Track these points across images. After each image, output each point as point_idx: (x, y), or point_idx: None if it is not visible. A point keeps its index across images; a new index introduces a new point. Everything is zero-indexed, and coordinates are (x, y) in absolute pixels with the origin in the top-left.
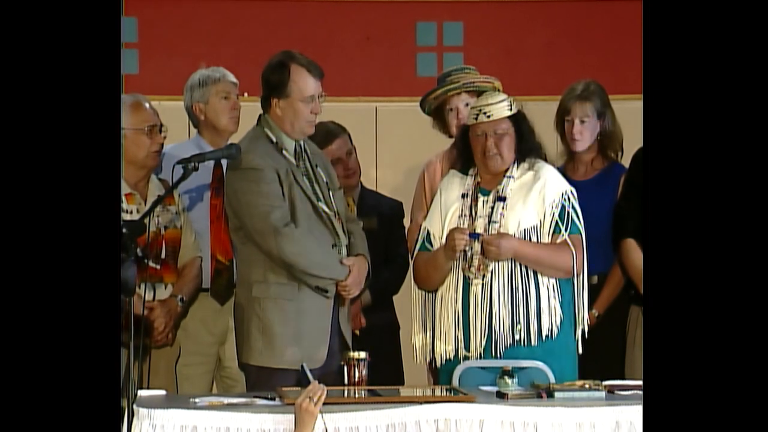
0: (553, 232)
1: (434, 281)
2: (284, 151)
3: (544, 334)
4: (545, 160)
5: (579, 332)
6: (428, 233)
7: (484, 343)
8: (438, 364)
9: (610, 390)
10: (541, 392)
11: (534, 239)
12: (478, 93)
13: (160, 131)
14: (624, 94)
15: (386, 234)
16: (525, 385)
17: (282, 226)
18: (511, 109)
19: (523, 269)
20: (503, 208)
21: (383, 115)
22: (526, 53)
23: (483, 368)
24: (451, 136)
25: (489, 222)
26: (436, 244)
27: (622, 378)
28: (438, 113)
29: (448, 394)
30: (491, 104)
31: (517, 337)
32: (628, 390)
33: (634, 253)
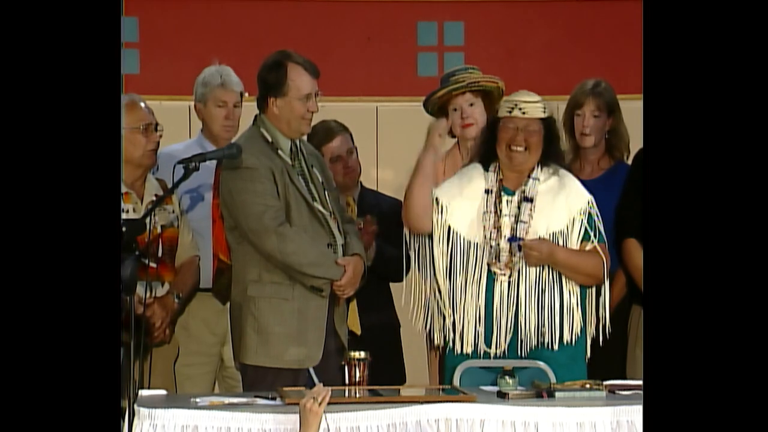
0: (582, 239)
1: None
2: (280, 151)
3: (566, 338)
4: (567, 169)
5: (590, 338)
6: (436, 199)
7: (508, 340)
8: (455, 353)
9: (611, 390)
10: (541, 392)
11: (561, 244)
12: (483, 93)
13: (156, 130)
14: (625, 93)
15: (386, 233)
16: (526, 384)
17: (277, 225)
18: (544, 112)
19: (551, 272)
20: (531, 209)
21: (384, 115)
22: (527, 53)
23: (484, 368)
24: (454, 136)
25: (517, 222)
26: (438, 214)
27: (624, 378)
28: (441, 113)
29: (448, 394)
30: (527, 102)
31: (542, 339)
32: (628, 390)
33: (636, 252)
